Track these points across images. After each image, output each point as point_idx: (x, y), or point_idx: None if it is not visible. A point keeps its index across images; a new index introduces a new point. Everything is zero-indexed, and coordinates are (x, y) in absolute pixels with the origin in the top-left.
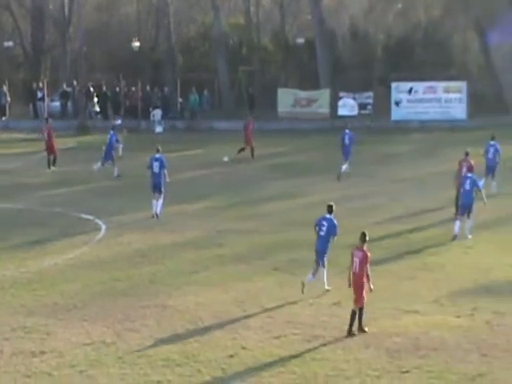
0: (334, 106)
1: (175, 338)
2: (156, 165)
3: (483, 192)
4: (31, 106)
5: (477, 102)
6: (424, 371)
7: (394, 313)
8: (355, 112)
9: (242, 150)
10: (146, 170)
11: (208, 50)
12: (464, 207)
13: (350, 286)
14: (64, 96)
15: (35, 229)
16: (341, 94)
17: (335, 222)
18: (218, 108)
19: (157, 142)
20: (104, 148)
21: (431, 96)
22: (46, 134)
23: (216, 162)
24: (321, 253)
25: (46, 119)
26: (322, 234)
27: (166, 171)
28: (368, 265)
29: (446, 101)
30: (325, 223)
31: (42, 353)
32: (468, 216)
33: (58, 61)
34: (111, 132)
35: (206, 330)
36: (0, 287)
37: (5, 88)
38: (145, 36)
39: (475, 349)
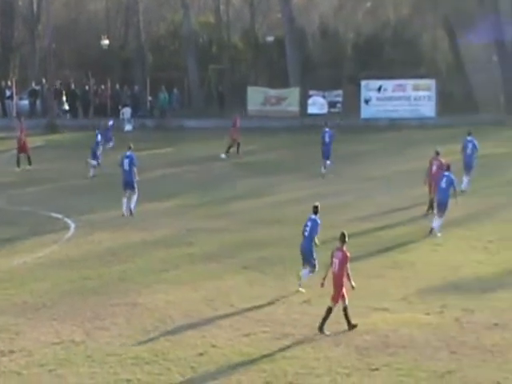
0: (303, 105)
1: (145, 337)
2: (126, 162)
3: (457, 190)
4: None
5: (446, 100)
6: (393, 369)
7: (363, 311)
8: (325, 110)
9: (231, 146)
10: (115, 169)
11: (178, 49)
12: (440, 205)
13: (322, 285)
14: (33, 94)
15: (4, 228)
16: (310, 93)
17: (318, 221)
18: (188, 106)
19: (126, 141)
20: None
21: (400, 94)
22: (20, 133)
23: (186, 161)
24: (305, 253)
25: (19, 117)
26: (305, 234)
27: (135, 169)
28: (348, 265)
29: (415, 99)
30: (309, 223)
31: (11, 352)
32: (442, 213)
33: (26, 59)
34: (97, 132)
35: (176, 328)
36: None
37: None
38: (114, 34)
39: (444, 346)
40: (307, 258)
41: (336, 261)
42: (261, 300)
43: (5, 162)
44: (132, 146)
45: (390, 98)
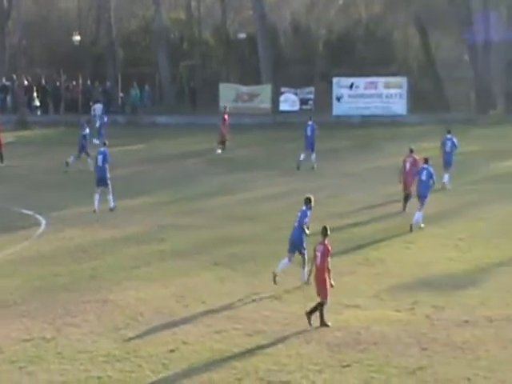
0: (275, 101)
1: (116, 334)
2: (99, 158)
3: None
4: None
5: (417, 98)
6: (364, 365)
7: (335, 307)
8: (297, 107)
9: (224, 142)
10: (86, 165)
11: (149, 45)
12: (420, 197)
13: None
14: (3, 90)
15: None
16: (282, 89)
17: (308, 212)
18: (160, 103)
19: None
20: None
21: (372, 91)
22: None
23: (158, 157)
24: (293, 243)
25: None
26: (295, 224)
27: (107, 165)
28: (329, 258)
29: (386, 96)
30: (298, 214)
31: None
32: (421, 204)
33: None
34: (84, 125)
35: (147, 325)
36: None
37: None
38: (85, 30)
39: (415, 343)
40: (297, 247)
41: (318, 254)
42: (232, 297)
43: None
44: (107, 142)
45: (361, 96)
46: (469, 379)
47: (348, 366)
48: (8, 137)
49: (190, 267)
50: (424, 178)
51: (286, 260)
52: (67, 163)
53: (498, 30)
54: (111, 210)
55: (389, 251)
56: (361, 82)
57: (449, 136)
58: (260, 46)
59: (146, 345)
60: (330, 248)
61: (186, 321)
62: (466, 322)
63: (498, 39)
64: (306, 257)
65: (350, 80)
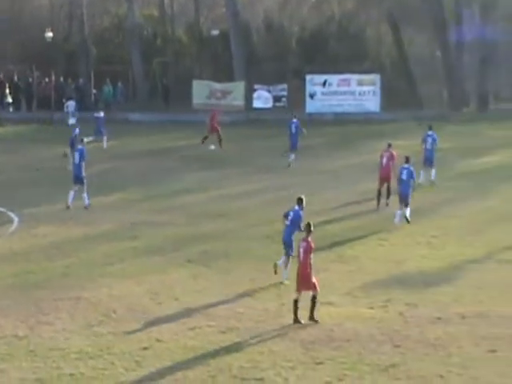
0: (248, 99)
1: (89, 331)
2: (76, 156)
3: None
4: None
5: (390, 95)
6: (337, 362)
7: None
8: (270, 104)
9: (220, 138)
10: (59, 162)
11: (122, 42)
12: (401, 197)
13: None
14: None
15: None
16: (255, 87)
17: (301, 213)
18: (133, 100)
19: (69, 135)
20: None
21: (345, 89)
22: None
23: (131, 154)
24: (286, 243)
25: None
26: (287, 223)
27: (83, 164)
28: (311, 255)
29: (359, 93)
30: (291, 214)
31: None
32: (405, 205)
33: None
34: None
35: (120, 322)
36: None
37: None
38: (58, 27)
39: (388, 340)
40: (288, 246)
41: (301, 250)
42: (205, 294)
43: None
44: (85, 139)
45: (334, 93)
46: (441, 376)
47: (321, 363)
48: None
49: (163, 264)
50: (404, 177)
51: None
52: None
53: (471, 28)
54: (86, 207)
55: (362, 248)
56: (334, 79)
57: (430, 133)
58: (233, 43)
59: (119, 342)
60: (312, 245)
61: (159, 318)
62: (439, 319)
63: (471, 37)
64: (290, 258)
65: (323, 77)
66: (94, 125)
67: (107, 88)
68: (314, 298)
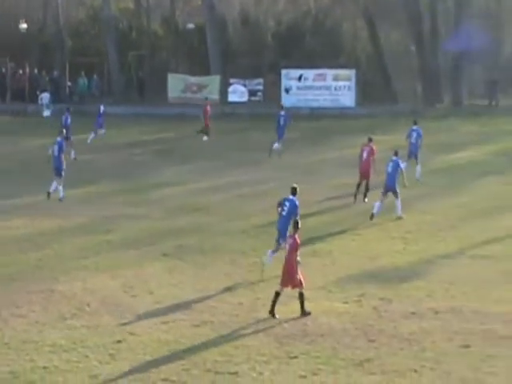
0: (224, 93)
1: (62, 324)
2: (55, 148)
3: (405, 174)
4: None
5: (365, 90)
6: (312, 357)
7: (282, 299)
8: (245, 98)
9: (206, 131)
10: (34, 154)
11: (98, 34)
12: (386, 189)
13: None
14: None
15: None
16: (231, 81)
17: (297, 202)
18: (108, 92)
19: (45, 126)
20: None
21: (321, 83)
22: None
23: (105, 147)
24: (282, 232)
25: None
26: (283, 213)
27: (63, 156)
28: (298, 252)
29: (335, 88)
30: (287, 203)
31: None
32: (395, 196)
33: None
34: (67, 113)
35: (94, 315)
36: None
37: None
38: (32, 18)
39: (362, 334)
40: (283, 236)
41: (287, 246)
42: (180, 287)
43: None
44: (64, 131)
45: (310, 88)
46: (415, 370)
47: (295, 357)
48: None
49: (138, 258)
50: (390, 169)
51: (270, 252)
52: (75, 159)
53: (446, 22)
54: (60, 200)
55: (337, 243)
56: (309, 73)
57: (414, 127)
58: (209, 37)
59: (93, 335)
60: (298, 241)
61: (133, 311)
62: (413, 313)
63: (446, 31)
64: (279, 248)
65: (298, 72)
66: (100, 118)
67: (82, 80)
68: (300, 295)
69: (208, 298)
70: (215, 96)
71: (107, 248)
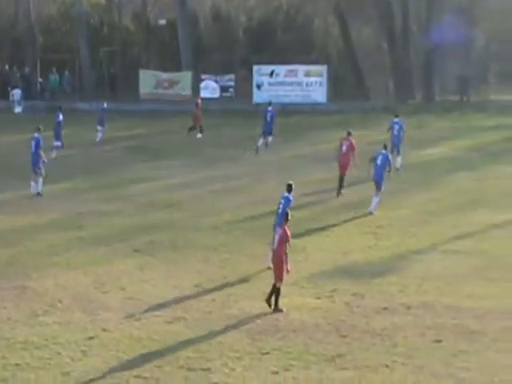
0: (195, 88)
1: (34, 321)
2: (32, 144)
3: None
4: None
5: (337, 87)
6: (283, 352)
7: (255, 294)
8: (217, 94)
9: (194, 128)
10: (5, 151)
11: (69, 30)
12: (375, 182)
13: (269, 268)
14: None
15: None
16: (203, 77)
17: (291, 198)
18: (79, 89)
19: (17, 123)
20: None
21: (292, 79)
22: None
23: (77, 144)
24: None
25: None
26: (279, 211)
27: (41, 151)
28: (288, 244)
29: (306, 84)
30: (282, 201)
31: None
32: (378, 190)
33: None
34: (59, 113)
35: (66, 311)
36: None
37: None
38: (3, 13)
39: (334, 330)
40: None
41: (276, 237)
42: (152, 284)
43: None
44: (41, 127)
45: (282, 83)
46: (387, 366)
47: (267, 353)
48: None
49: (109, 254)
50: (379, 162)
51: None
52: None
53: (418, 19)
54: (34, 196)
55: (309, 239)
56: (281, 69)
57: (396, 120)
58: (180, 33)
59: (65, 332)
60: (288, 233)
61: (105, 308)
62: (385, 309)
63: (418, 28)
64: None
65: (270, 68)
66: (98, 116)
67: (53, 77)
68: (277, 290)
69: (180, 294)
70: (187, 92)
71: (79, 244)
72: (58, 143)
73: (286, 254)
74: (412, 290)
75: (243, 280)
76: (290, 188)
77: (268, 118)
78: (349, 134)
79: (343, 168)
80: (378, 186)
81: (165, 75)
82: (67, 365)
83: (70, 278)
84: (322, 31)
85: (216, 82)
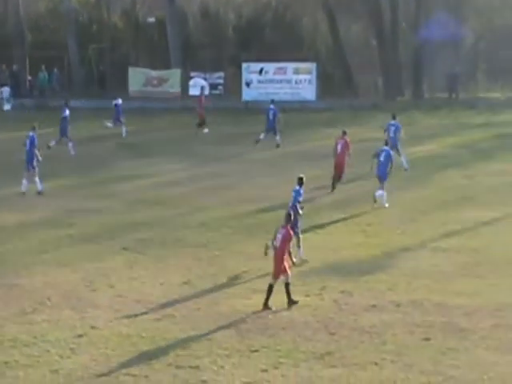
0: (184, 86)
1: (23, 318)
2: (27, 142)
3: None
4: None
5: (326, 84)
6: (273, 350)
7: (244, 292)
8: (206, 92)
9: (203, 123)
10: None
11: (58, 27)
12: (379, 178)
13: (266, 254)
14: None
15: None
16: (192, 74)
17: (301, 191)
18: (68, 86)
19: (6, 121)
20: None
21: (281, 77)
22: None
23: (65, 141)
24: (294, 223)
25: None
26: (289, 204)
27: (36, 150)
28: (290, 243)
29: (295, 82)
30: (293, 194)
31: None
32: (381, 185)
33: None
34: (65, 108)
35: (55, 309)
36: None
37: None
38: None
39: (323, 327)
40: (291, 227)
41: (279, 236)
42: (141, 281)
43: None
44: (36, 126)
45: (271, 81)
46: (376, 363)
47: (256, 350)
48: None
49: (98, 252)
50: (382, 159)
51: None
52: (49, 147)
53: (407, 16)
54: (23, 193)
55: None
56: (270, 67)
57: (392, 122)
58: (169, 31)
59: (54, 329)
60: (291, 233)
61: (94, 305)
62: (374, 306)
63: (407, 25)
64: (300, 236)
65: (259, 65)
66: (113, 113)
67: (42, 74)
68: (270, 287)
69: (169, 291)
70: (176, 90)
71: (68, 242)
72: (62, 137)
73: (289, 252)
74: (401, 288)
75: (232, 277)
76: (301, 181)
77: (270, 116)
78: (344, 133)
79: (338, 167)
80: (382, 181)
81: (154, 73)
82: (56, 362)
83: (59, 275)
84: (311, 28)
85: (205, 79)
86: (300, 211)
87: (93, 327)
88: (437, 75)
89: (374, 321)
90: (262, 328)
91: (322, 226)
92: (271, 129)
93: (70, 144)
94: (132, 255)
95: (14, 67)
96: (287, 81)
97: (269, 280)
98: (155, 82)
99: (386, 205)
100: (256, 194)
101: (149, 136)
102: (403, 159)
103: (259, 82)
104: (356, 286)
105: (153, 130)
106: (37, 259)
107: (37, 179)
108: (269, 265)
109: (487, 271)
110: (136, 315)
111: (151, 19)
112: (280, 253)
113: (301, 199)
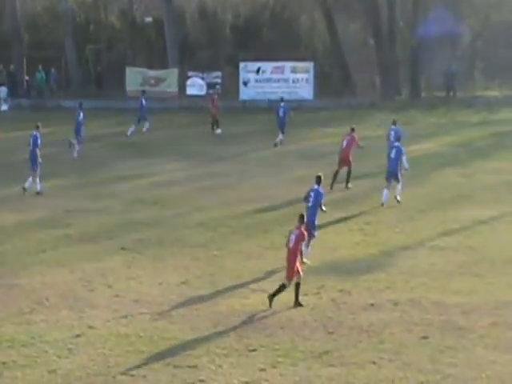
0: (182, 86)
1: (21, 318)
2: (30, 142)
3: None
4: None
5: (324, 83)
6: (271, 349)
7: (242, 292)
8: (204, 92)
9: (216, 123)
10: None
11: (55, 27)
12: (390, 174)
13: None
14: None
15: None
16: (189, 74)
17: (321, 190)
18: (66, 86)
19: (2, 121)
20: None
21: (279, 76)
22: None
23: (64, 141)
24: (311, 223)
25: None
26: (309, 204)
27: (38, 150)
28: (303, 244)
29: (293, 81)
30: (312, 194)
31: None
32: (397, 181)
33: None
34: (79, 110)
35: (53, 309)
36: None
37: None
38: None
39: (321, 327)
40: (310, 227)
41: (293, 237)
42: (139, 281)
43: None
44: (40, 125)
45: (268, 80)
46: (374, 362)
47: (254, 350)
48: None
49: (97, 252)
50: (393, 155)
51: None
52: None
53: (404, 14)
54: (38, 193)
55: None
56: (267, 66)
57: (393, 127)
58: (166, 30)
59: (52, 330)
60: (305, 233)
61: (92, 305)
62: (372, 305)
63: (404, 24)
64: (314, 238)
65: (256, 64)
66: (138, 112)
67: (40, 74)
68: (282, 286)
69: (167, 291)
70: (173, 89)
71: (66, 242)
72: (77, 143)
73: (301, 253)
74: (399, 287)
75: (230, 277)
76: (319, 180)
77: (281, 114)
78: (352, 129)
79: (345, 161)
80: (396, 178)
81: (151, 72)
82: (54, 362)
83: (58, 275)
84: (309, 28)
85: (202, 79)
86: (324, 208)
87: (91, 327)
88: (434, 74)
89: (372, 319)
90: (260, 327)
91: (319, 225)
92: (282, 126)
93: (78, 147)
94: (130, 255)
95: (11, 67)
96: (285, 80)
97: (282, 280)
98: (153, 81)
99: (384, 201)
100: (255, 193)
101: (147, 136)
102: (404, 159)
103: (257, 81)
104: (354, 285)
105: (150, 130)
106: (35, 259)
107: (37, 179)
108: (266, 264)
109: (485, 269)
110: (134, 315)
111: (148, 19)
112: (293, 254)
113: (323, 200)
